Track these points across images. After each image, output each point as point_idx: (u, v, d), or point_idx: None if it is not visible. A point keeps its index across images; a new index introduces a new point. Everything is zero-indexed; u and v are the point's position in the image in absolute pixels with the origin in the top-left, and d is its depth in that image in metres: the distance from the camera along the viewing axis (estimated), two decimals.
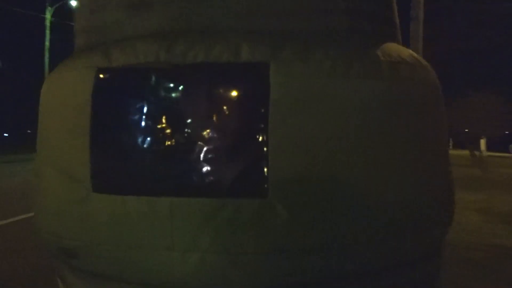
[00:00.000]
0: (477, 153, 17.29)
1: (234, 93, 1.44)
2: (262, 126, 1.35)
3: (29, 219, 5.38)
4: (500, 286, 3.47)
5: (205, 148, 1.40)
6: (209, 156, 1.39)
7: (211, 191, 1.39)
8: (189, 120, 1.45)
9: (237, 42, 1.40)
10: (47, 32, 22.89)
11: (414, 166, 1.48)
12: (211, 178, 1.39)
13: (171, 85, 1.46)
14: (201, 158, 1.39)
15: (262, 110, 1.35)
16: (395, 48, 1.56)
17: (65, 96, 1.60)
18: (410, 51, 1.66)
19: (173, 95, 1.47)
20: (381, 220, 1.40)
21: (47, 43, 22.92)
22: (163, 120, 1.48)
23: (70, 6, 23.34)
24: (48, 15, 22.75)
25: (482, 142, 16.71)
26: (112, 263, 1.50)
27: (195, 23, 1.49)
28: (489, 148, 17.27)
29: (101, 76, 1.52)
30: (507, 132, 28.97)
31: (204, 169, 1.39)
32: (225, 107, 1.43)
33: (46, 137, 1.70)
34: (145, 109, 1.47)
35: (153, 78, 1.48)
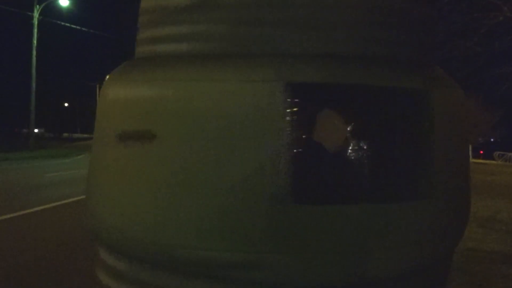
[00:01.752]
0: None
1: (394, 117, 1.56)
2: (427, 144, 1.53)
3: None
4: None
5: (366, 161, 1.50)
6: (375, 166, 1.51)
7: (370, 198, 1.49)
8: (348, 135, 1.53)
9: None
10: (35, 30, 22.68)
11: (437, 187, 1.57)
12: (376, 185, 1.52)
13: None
14: (364, 169, 1.51)
15: (425, 133, 1.53)
16: (430, 73, 1.66)
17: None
18: (443, 73, 1.74)
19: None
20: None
21: (34, 41, 22.70)
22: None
23: (57, 5, 23.19)
24: (35, 14, 22.53)
25: None
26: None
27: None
28: (474, 155, 17.49)
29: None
30: (492, 140, 29.47)
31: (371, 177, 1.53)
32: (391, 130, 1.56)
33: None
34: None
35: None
